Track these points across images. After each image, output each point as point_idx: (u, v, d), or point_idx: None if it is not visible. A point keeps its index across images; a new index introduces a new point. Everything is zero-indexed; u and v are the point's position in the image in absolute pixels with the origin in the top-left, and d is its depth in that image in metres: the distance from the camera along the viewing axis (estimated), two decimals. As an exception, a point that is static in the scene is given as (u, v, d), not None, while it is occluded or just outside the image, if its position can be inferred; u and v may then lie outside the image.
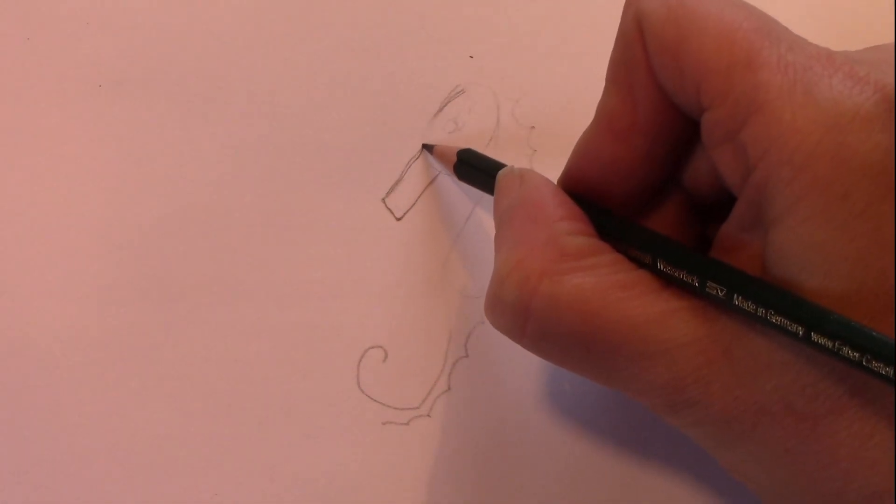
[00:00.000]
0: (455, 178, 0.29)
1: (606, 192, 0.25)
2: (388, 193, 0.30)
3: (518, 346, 0.29)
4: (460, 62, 0.31)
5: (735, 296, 0.21)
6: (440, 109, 0.31)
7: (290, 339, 0.29)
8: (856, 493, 0.21)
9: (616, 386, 0.23)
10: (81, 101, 0.30)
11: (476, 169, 0.28)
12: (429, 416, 0.29)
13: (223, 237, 0.30)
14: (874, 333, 0.19)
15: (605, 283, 0.22)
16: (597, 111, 0.24)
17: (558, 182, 0.26)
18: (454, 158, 0.28)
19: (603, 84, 0.24)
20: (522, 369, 0.29)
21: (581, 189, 0.25)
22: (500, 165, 0.27)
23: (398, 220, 0.30)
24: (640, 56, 0.23)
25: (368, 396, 0.29)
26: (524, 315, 0.23)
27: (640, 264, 0.23)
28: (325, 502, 0.29)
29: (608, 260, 0.23)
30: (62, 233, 0.29)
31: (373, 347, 0.29)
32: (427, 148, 0.30)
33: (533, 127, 0.31)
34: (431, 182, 0.30)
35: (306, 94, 0.30)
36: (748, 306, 0.21)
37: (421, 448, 0.29)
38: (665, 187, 0.26)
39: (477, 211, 0.30)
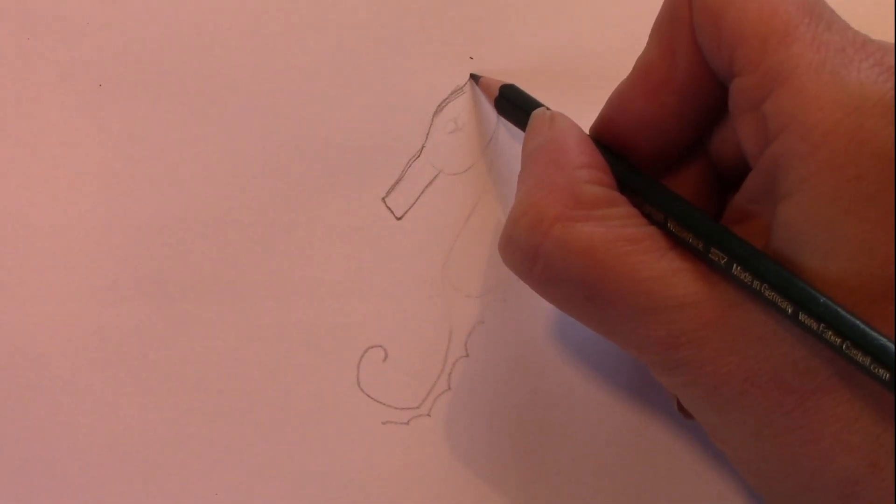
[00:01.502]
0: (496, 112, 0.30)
1: (633, 147, 0.25)
2: (388, 193, 0.30)
3: (518, 348, 0.30)
4: (460, 62, 0.31)
5: (734, 265, 0.21)
6: (440, 109, 0.31)
7: (290, 339, 0.29)
8: (832, 474, 0.21)
9: (614, 338, 0.24)
10: (82, 101, 0.30)
11: (514, 105, 0.28)
12: (429, 415, 0.29)
13: (223, 237, 0.30)
14: (858, 322, 0.20)
15: (614, 234, 0.22)
16: (635, 64, 0.25)
17: (589, 130, 0.26)
18: (496, 92, 0.29)
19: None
20: (522, 369, 0.29)
21: (610, 140, 0.25)
22: (537, 105, 0.27)
23: (398, 219, 0.30)
24: (684, 14, 0.23)
25: (368, 396, 0.29)
26: (533, 256, 0.23)
27: (652, 221, 0.24)
28: (325, 502, 0.28)
29: (621, 212, 0.23)
30: (62, 232, 0.29)
31: (373, 347, 0.29)
32: (474, 78, 0.30)
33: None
34: (432, 181, 0.30)
35: (307, 93, 0.30)
36: (745, 277, 0.21)
37: (421, 448, 0.29)
38: (691, 152, 0.26)
39: (477, 210, 0.30)
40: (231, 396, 0.29)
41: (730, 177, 0.26)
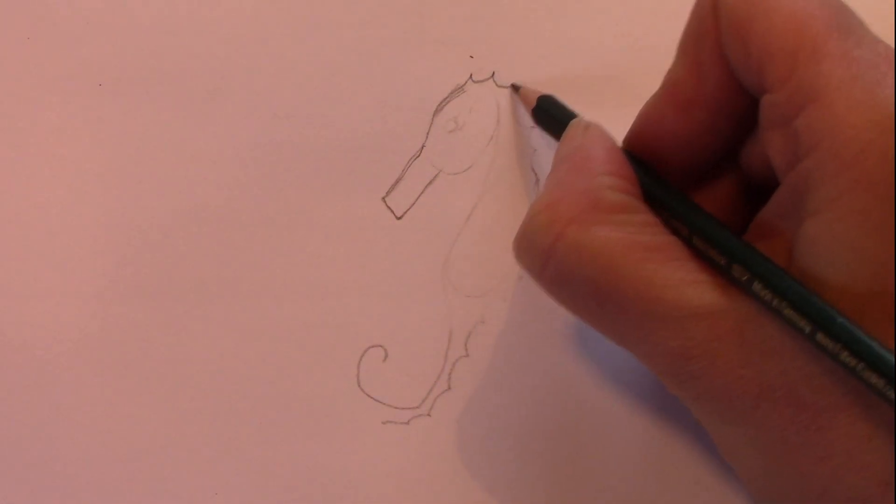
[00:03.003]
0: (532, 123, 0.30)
1: (664, 159, 0.25)
2: (388, 192, 0.30)
3: (518, 346, 0.29)
4: (460, 61, 0.31)
5: (755, 282, 0.21)
6: (440, 108, 0.31)
7: (290, 338, 0.29)
8: (843, 493, 0.21)
9: (625, 345, 0.23)
10: (82, 100, 0.30)
11: (551, 116, 0.28)
12: (429, 415, 0.29)
13: (223, 236, 0.30)
14: (874, 344, 0.20)
15: (630, 240, 0.22)
16: (664, 80, 0.25)
17: (622, 142, 0.26)
18: (534, 102, 0.29)
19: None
20: (523, 369, 0.29)
21: (641, 152, 0.25)
22: (574, 116, 0.27)
23: (398, 219, 0.30)
24: (711, 30, 0.23)
25: (368, 396, 0.29)
26: (546, 256, 0.23)
27: (677, 234, 0.23)
28: (325, 501, 0.28)
29: (640, 220, 0.23)
30: (62, 232, 0.29)
31: (373, 347, 0.29)
32: (514, 88, 0.30)
33: (533, 126, 0.31)
34: (432, 181, 0.30)
35: (307, 92, 0.30)
36: (765, 295, 0.21)
37: (421, 448, 0.29)
38: (722, 164, 0.26)
39: (477, 210, 0.30)
40: (231, 396, 0.29)
41: (759, 190, 0.25)
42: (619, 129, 0.26)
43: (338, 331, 0.29)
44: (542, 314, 0.30)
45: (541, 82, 0.31)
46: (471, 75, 0.31)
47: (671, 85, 0.24)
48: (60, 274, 0.29)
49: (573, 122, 0.26)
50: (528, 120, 0.30)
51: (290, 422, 0.29)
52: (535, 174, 0.31)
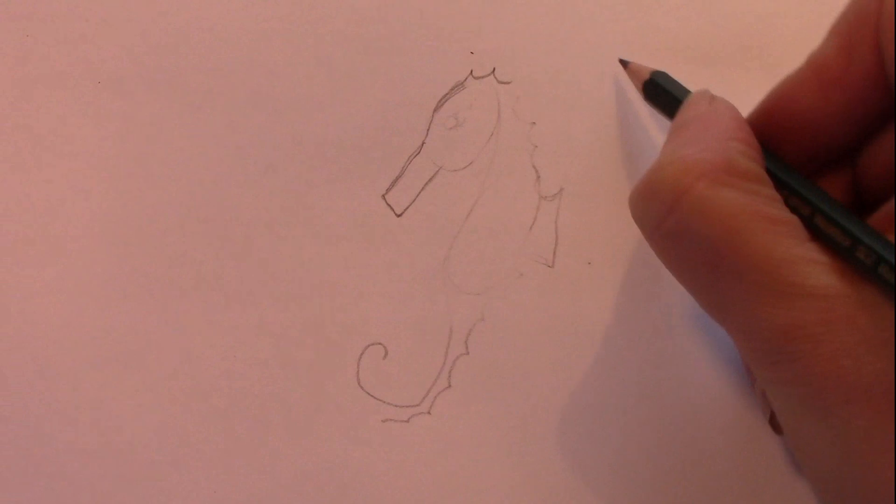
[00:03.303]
0: (643, 98, 0.29)
1: (788, 142, 0.25)
2: (388, 190, 0.30)
3: (519, 345, 0.29)
4: (461, 58, 0.31)
5: (881, 265, 0.21)
6: (441, 105, 0.30)
7: (290, 336, 0.29)
8: None
9: (724, 315, 0.23)
10: (81, 98, 0.30)
11: (665, 91, 0.28)
12: (429, 413, 0.29)
13: (223, 234, 0.29)
14: None
15: (758, 209, 0.22)
16: (808, 59, 0.24)
17: (747, 117, 0.25)
18: (645, 76, 0.28)
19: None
20: (523, 367, 0.29)
21: (765, 131, 0.25)
22: (688, 92, 0.27)
23: (398, 216, 0.30)
24: (871, 14, 0.23)
25: (368, 394, 0.29)
26: (670, 206, 0.22)
27: (798, 214, 0.23)
28: (325, 500, 0.28)
29: (768, 193, 0.23)
30: (62, 230, 0.29)
31: (373, 344, 0.29)
32: (623, 63, 0.30)
33: (534, 123, 0.30)
34: (432, 178, 0.30)
35: (307, 90, 0.30)
36: (891, 277, 0.21)
37: (421, 446, 0.29)
38: (837, 162, 0.26)
39: (477, 207, 0.30)
40: (231, 395, 0.29)
41: (870, 193, 0.25)
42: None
43: (338, 328, 0.29)
44: (542, 312, 0.30)
45: (542, 78, 0.31)
46: (471, 71, 0.31)
47: (816, 63, 0.24)
48: (60, 273, 0.29)
49: (698, 91, 0.26)
50: (530, 116, 0.30)
51: (290, 420, 0.29)
52: (536, 171, 0.30)
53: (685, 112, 0.25)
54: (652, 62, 0.30)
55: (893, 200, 0.23)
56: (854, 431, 0.21)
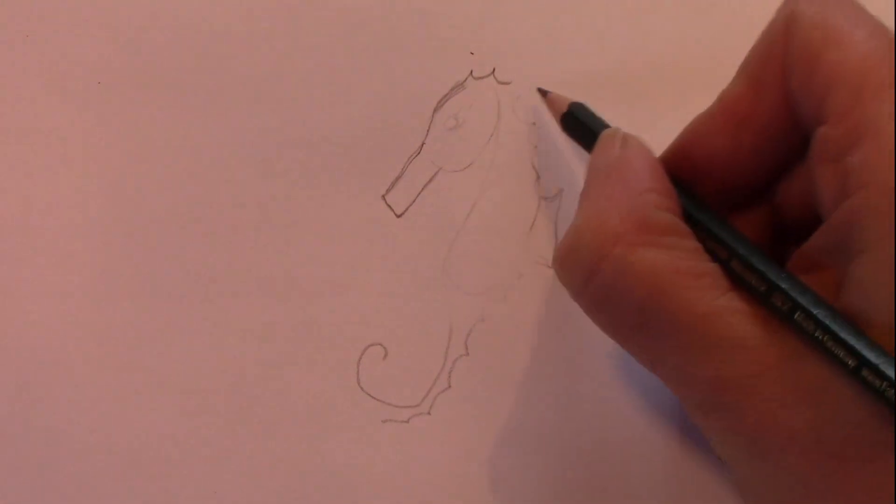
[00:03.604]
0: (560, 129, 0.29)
1: (701, 182, 0.25)
2: (388, 190, 0.30)
3: (519, 346, 0.29)
4: (461, 58, 0.31)
5: (797, 312, 0.21)
6: (441, 105, 0.30)
7: (290, 337, 0.29)
8: None
9: (657, 369, 0.23)
10: (81, 99, 0.30)
11: (582, 124, 0.28)
12: (429, 414, 0.29)
13: (223, 234, 0.29)
14: None
15: (678, 266, 0.22)
16: (719, 96, 0.24)
17: (660, 157, 0.26)
18: (564, 108, 0.28)
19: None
20: (523, 368, 0.29)
21: (678, 171, 0.25)
22: (605, 126, 0.27)
23: (398, 216, 0.30)
24: (779, 52, 0.23)
25: (368, 394, 0.29)
26: (590, 273, 0.23)
27: (714, 258, 0.23)
28: (324, 500, 0.28)
29: (686, 245, 0.23)
30: (61, 231, 0.29)
31: (373, 345, 0.29)
32: (542, 92, 0.30)
33: (534, 123, 0.30)
34: (432, 179, 0.30)
35: (306, 90, 0.30)
36: (807, 325, 0.21)
37: (421, 446, 0.29)
38: (754, 197, 0.26)
39: (477, 208, 0.30)
40: (231, 395, 0.29)
41: (790, 227, 0.25)
42: (618, 126, 0.26)
43: (337, 329, 0.29)
44: (542, 313, 0.30)
45: (542, 79, 0.31)
46: (471, 72, 0.31)
47: (726, 101, 0.24)
48: (60, 273, 0.29)
49: (608, 132, 0.26)
50: (530, 117, 0.30)
51: (290, 420, 0.29)
52: (536, 171, 0.30)
53: (597, 157, 0.25)
54: (652, 61, 0.30)
55: (808, 242, 0.23)
56: (792, 478, 0.21)
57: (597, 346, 0.29)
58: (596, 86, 0.30)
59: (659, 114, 0.30)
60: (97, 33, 0.30)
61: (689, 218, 0.24)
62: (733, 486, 0.28)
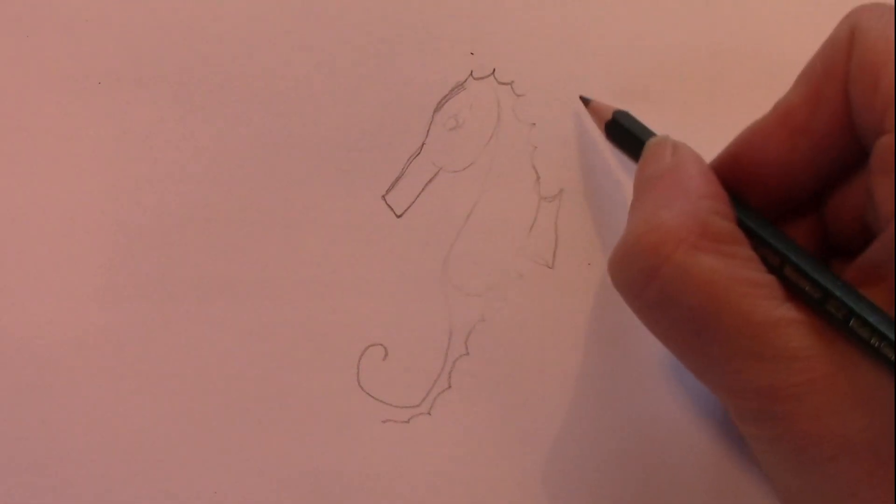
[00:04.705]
0: (605, 138, 0.29)
1: (753, 189, 0.25)
2: (388, 191, 0.30)
3: (519, 346, 0.29)
4: (461, 59, 0.31)
5: (853, 319, 0.21)
6: (441, 106, 0.30)
7: (290, 337, 0.29)
8: None
9: (708, 376, 0.23)
10: (81, 99, 0.30)
11: (628, 132, 0.28)
12: (429, 414, 0.29)
13: (223, 235, 0.29)
14: None
15: (737, 274, 0.22)
16: (776, 105, 0.24)
17: (711, 164, 0.26)
18: (608, 116, 0.28)
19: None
20: (523, 368, 0.29)
21: (731, 178, 0.25)
22: (651, 133, 0.27)
23: (398, 217, 0.30)
24: (840, 63, 0.23)
25: (368, 394, 0.29)
26: (650, 276, 0.23)
27: (768, 265, 0.23)
28: (325, 500, 0.28)
29: (745, 254, 0.23)
30: (61, 231, 0.29)
31: (373, 345, 0.29)
32: (584, 100, 0.30)
33: (534, 124, 0.30)
34: (432, 179, 0.30)
35: (306, 91, 0.30)
36: (863, 333, 0.21)
37: (421, 446, 0.29)
38: (803, 209, 0.26)
39: (478, 208, 0.30)
40: (231, 395, 0.29)
41: (835, 240, 0.25)
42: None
43: (338, 329, 0.29)
44: (542, 313, 0.30)
45: (542, 80, 0.31)
46: (471, 72, 0.31)
47: (783, 110, 0.24)
48: (60, 273, 0.29)
49: (657, 139, 0.26)
50: (530, 117, 0.30)
51: (290, 420, 0.29)
52: (536, 172, 0.30)
53: (649, 165, 0.25)
54: (652, 61, 0.30)
55: (865, 254, 0.23)
56: (840, 487, 0.21)
57: (597, 346, 0.29)
58: (596, 86, 0.31)
59: (659, 114, 0.30)
60: (97, 33, 0.30)
61: (741, 225, 0.24)
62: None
